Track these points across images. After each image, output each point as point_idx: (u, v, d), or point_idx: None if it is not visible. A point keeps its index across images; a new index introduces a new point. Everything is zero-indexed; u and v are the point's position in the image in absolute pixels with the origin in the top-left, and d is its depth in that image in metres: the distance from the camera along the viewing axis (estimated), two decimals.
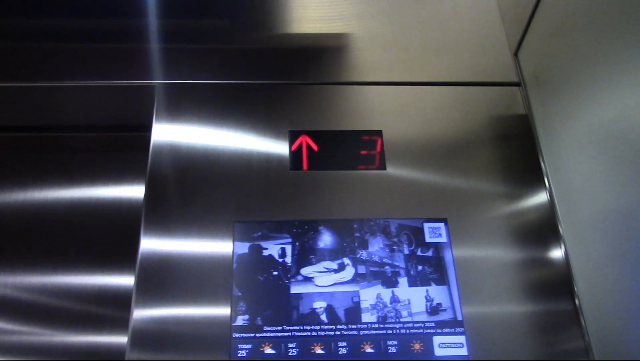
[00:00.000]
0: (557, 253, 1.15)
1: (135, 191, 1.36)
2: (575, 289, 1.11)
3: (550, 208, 1.19)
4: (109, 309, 1.24)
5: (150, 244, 1.11)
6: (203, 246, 1.12)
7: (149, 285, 1.08)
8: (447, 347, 1.05)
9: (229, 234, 1.13)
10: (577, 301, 1.11)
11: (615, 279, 0.98)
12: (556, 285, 1.12)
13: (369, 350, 1.04)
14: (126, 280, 1.27)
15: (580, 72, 1.05)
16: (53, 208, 1.33)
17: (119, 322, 1.23)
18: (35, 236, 1.31)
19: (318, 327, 1.06)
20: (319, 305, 1.07)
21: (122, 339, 1.21)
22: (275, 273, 1.09)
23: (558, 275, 1.13)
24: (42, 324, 1.23)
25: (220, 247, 1.12)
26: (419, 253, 1.13)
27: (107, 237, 1.30)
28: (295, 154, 1.23)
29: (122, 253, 1.28)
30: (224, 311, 1.06)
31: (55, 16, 1.43)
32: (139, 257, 1.10)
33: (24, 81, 1.30)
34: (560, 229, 1.16)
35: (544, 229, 1.18)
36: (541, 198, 1.20)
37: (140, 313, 1.05)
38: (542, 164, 1.22)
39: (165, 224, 1.13)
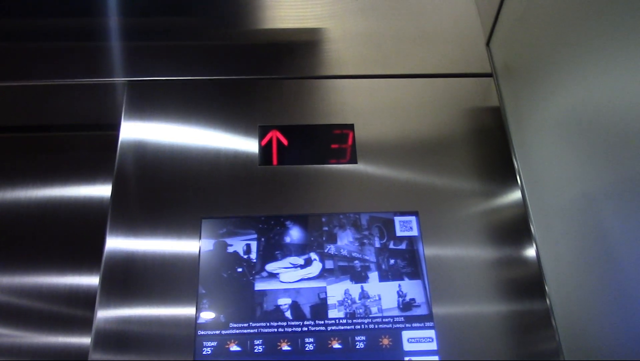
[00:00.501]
0: (529, 252, 1.13)
1: (104, 190, 1.34)
2: (547, 289, 1.09)
3: (522, 204, 1.17)
4: (80, 309, 1.23)
5: (116, 243, 1.10)
6: (169, 244, 1.10)
7: (113, 285, 1.06)
8: (417, 342, 1.04)
9: (195, 231, 1.12)
10: (548, 301, 1.09)
11: (584, 278, 0.97)
12: (528, 284, 1.11)
13: (336, 345, 1.03)
14: (96, 280, 1.26)
15: (547, 60, 1.04)
16: (23, 208, 1.33)
17: (90, 323, 1.21)
18: (4, 236, 1.30)
19: (284, 323, 1.04)
20: (284, 301, 1.06)
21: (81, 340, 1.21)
22: (239, 269, 1.08)
23: (530, 274, 1.11)
24: (13, 325, 1.22)
25: (186, 245, 1.11)
26: (391, 246, 1.12)
27: (77, 237, 1.30)
28: (265, 149, 1.22)
29: (91, 253, 1.26)
30: (189, 310, 1.05)
31: (23, 15, 1.41)
32: (104, 256, 1.09)
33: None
34: (531, 227, 1.14)
35: (516, 226, 1.16)
36: (514, 194, 1.19)
37: (104, 313, 1.04)
38: (514, 158, 1.21)
39: (132, 223, 1.12)
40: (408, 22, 1.41)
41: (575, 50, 0.94)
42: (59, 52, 1.34)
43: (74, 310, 1.23)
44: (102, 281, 1.07)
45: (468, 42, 1.37)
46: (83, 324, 1.22)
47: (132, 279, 1.07)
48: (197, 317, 1.04)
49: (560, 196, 1.02)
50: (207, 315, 1.03)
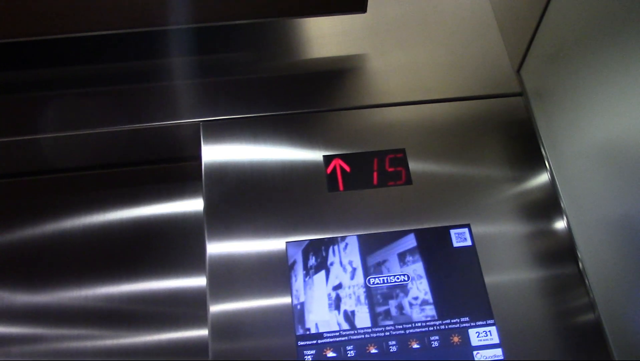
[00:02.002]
0: (560, 225, 1.33)
1: (190, 206, 1.55)
2: (579, 254, 1.29)
3: (552, 190, 1.37)
4: (182, 308, 1.43)
5: (216, 248, 1.30)
6: (260, 245, 1.31)
7: (219, 283, 1.26)
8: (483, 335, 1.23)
9: (282, 248, 1.30)
10: (580, 264, 1.29)
11: (613, 244, 1.16)
12: (561, 253, 1.31)
13: (415, 345, 1.22)
14: (193, 282, 1.48)
15: (581, 91, 1.20)
16: (121, 227, 1.53)
17: (192, 319, 1.43)
18: (109, 253, 1.51)
19: (370, 330, 1.23)
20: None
21: (198, 333, 1.43)
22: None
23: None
24: (125, 327, 1.43)
25: (274, 244, 1.31)
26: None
27: (171, 248, 1.50)
28: (331, 177, 1.39)
29: (186, 259, 1.48)
30: (286, 299, 1.26)
31: (95, 63, 1.57)
32: (207, 260, 1.28)
33: (85, 129, 1.45)
34: (562, 204, 1.34)
35: (546, 205, 1.36)
36: (544, 179, 1.39)
37: (216, 308, 1.24)
38: (544, 153, 1.40)
39: (226, 230, 1.32)
40: (440, 51, 1.58)
41: (612, 81, 1.10)
42: (133, 96, 1.49)
43: (176, 309, 1.43)
44: (210, 280, 1.26)
45: (495, 67, 1.54)
46: (187, 320, 1.43)
47: (234, 278, 1.27)
48: (296, 329, 1.22)
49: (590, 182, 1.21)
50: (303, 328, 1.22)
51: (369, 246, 1.31)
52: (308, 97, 1.50)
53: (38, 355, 1.39)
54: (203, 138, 1.43)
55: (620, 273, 1.15)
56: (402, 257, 1.30)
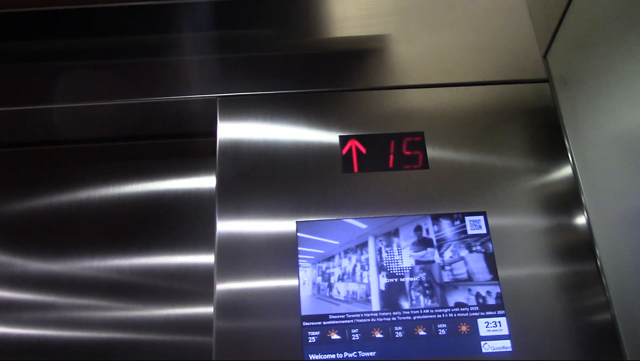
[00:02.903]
0: (580, 220, 1.29)
1: (204, 183, 1.55)
2: (597, 252, 1.25)
3: (574, 182, 1.33)
4: (191, 284, 1.44)
5: (225, 226, 1.29)
6: (271, 225, 1.30)
7: (227, 261, 1.26)
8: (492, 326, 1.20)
9: (292, 229, 1.28)
10: (598, 262, 1.25)
11: (633, 242, 1.12)
12: (579, 249, 1.27)
13: (421, 332, 1.19)
14: (203, 258, 1.48)
15: (607, 79, 1.17)
16: (136, 201, 1.54)
17: (200, 295, 1.43)
18: (122, 225, 1.52)
19: (376, 314, 1.21)
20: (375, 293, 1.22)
21: (204, 310, 1.42)
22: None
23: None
24: (134, 300, 1.44)
25: (285, 225, 1.30)
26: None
27: (183, 223, 1.51)
28: (346, 158, 1.37)
29: (197, 236, 1.48)
30: (293, 281, 1.24)
31: (118, 34, 1.57)
32: (217, 238, 1.28)
33: (109, 100, 1.46)
34: (582, 198, 1.30)
35: (567, 199, 1.32)
36: (568, 181, 1.34)
37: (222, 286, 1.23)
38: (567, 144, 1.36)
39: (237, 209, 1.31)
40: (466, 33, 1.53)
41: (637, 71, 1.06)
42: (153, 69, 1.49)
43: (185, 284, 1.44)
44: (218, 258, 1.26)
45: (523, 51, 1.50)
46: (195, 296, 1.44)
47: (242, 257, 1.26)
48: (300, 310, 1.21)
49: (620, 203, 1.17)
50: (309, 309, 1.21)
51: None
52: (327, 76, 1.48)
53: (48, 322, 1.41)
54: (219, 114, 1.42)
55: (638, 273, 1.11)
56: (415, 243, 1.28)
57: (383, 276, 1.24)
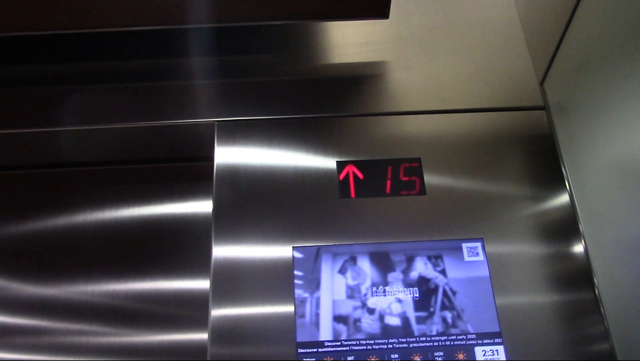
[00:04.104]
0: (577, 248, 1.29)
1: (200, 208, 1.54)
2: (595, 281, 1.24)
3: (571, 210, 1.32)
4: (186, 310, 1.42)
5: (221, 251, 1.28)
6: (267, 251, 1.29)
7: (222, 287, 1.25)
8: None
9: (288, 256, 1.27)
10: (596, 291, 1.24)
11: (631, 270, 1.12)
12: (577, 278, 1.27)
13: (418, 359, 1.18)
14: (198, 283, 1.46)
15: (604, 106, 1.17)
16: (132, 225, 1.53)
17: (195, 321, 1.41)
18: (118, 249, 1.51)
19: (372, 341, 1.20)
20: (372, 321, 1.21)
21: (199, 336, 1.40)
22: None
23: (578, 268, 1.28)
24: (129, 325, 1.42)
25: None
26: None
27: (179, 248, 1.49)
28: (343, 183, 1.37)
29: (193, 261, 1.47)
30: (288, 308, 1.23)
31: (115, 59, 1.58)
32: (212, 263, 1.27)
33: (105, 124, 1.46)
34: (580, 226, 1.30)
35: (565, 227, 1.31)
36: (563, 199, 1.34)
37: (217, 312, 1.22)
38: (564, 172, 1.36)
39: (234, 234, 1.31)
40: (463, 61, 1.54)
41: (634, 99, 1.07)
42: (151, 94, 1.50)
43: (180, 310, 1.42)
44: (213, 284, 1.25)
45: (520, 79, 1.50)
46: (190, 322, 1.42)
47: (237, 282, 1.25)
48: (296, 335, 1.19)
49: (610, 208, 1.16)
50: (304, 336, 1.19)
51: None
52: (325, 101, 1.49)
53: (42, 347, 1.39)
54: (217, 138, 1.42)
55: (636, 301, 1.10)
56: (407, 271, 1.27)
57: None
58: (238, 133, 1.43)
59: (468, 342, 1.20)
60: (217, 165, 1.38)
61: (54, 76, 1.55)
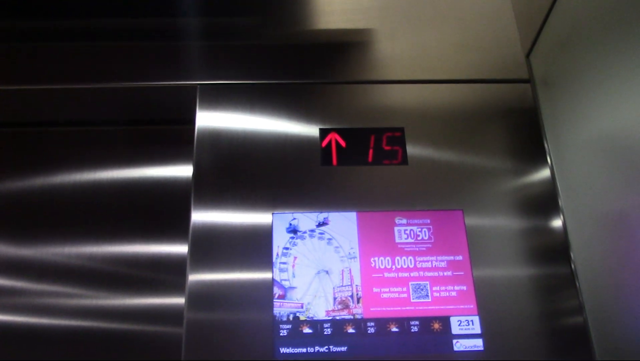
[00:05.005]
0: (556, 223, 1.29)
1: (181, 172, 1.52)
2: (572, 255, 1.25)
3: (552, 185, 1.33)
4: (163, 274, 1.41)
5: (200, 216, 1.27)
6: (246, 217, 1.28)
7: (200, 252, 1.24)
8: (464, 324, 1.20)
9: (267, 221, 1.27)
10: (572, 266, 1.25)
11: (607, 246, 1.12)
12: (554, 252, 1.27)
13: (394, 328, 1.18)
14: (176, 248, 1.45)
15: (588, 81, 1.16)
16: (111, 187, 1.51)
17: (172, 285, 1.40)
18: (96, 212, 1.49)
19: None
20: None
21: (176, 300, 1.39)
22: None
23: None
24: (105, 288, 1.41)
25: (261, 218, 1.28)
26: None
27: (158, 212, 1.48)
28: (325, 151, 1.35)
29: (172, 225, 1.45)
30: (266, 274, 1.23)
31: (97, 16, 1.54)
32: (191, 228, 1.26)
33: (84, 83, 1.44)
34: (559, 201, 1.30)
35: (544, 201, 1.32)
36: (546, 181, 1.34)
37: (194, 277, 1.22)
38: (546, 146, 1.36)
39: (213, 199, 1.30)
40: (450, 31, 1.53)
41: (618, 74, 1.06)
42: (133, 53, 1.47)
43: (157, 274, 1.41)
44: (191, 249, 1.24)
45: (506, 51, 1.49)
46: (167, 287, 1.41)
47: (216, 248, 1.25)
48: (272, 305, 1.19)
49: (590, 183, 1.17)
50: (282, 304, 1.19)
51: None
52: (310, 68, 1.47)
53: (16, 308, 1.38)
54: (199, 102, 1.40)
55: (611, 277, 1.11)
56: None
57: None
58: (220, 97, 1.41)
59: (444, 312, 1.20)
60: (198, 129, 1.36)
61: (33, 32, 1.51)
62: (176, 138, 1.53)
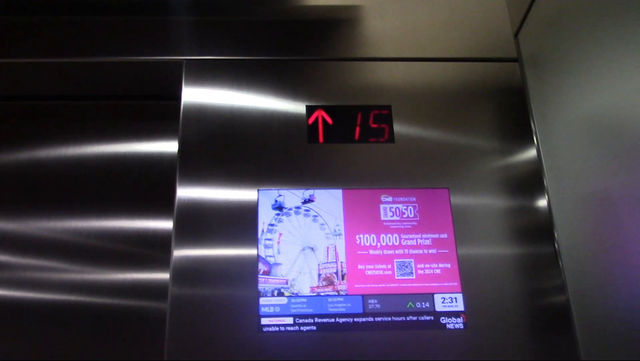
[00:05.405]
0: (541, 203, 1.30)
1: (166, 147, 1.52)
2: (556, 235, 1.26)
3: (538, 165, 1.33)
4: (149, 249, 1.42)
5: (186, 192, 1.27)
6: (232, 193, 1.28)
7: (185, 228, 1.24)
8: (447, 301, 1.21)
9: (253, 198, 1.27)
10: (556, 245, 1.26)
11: (591, 226, 1.13)
12: (538, 231, 1.28)
13: (377, 305, 1.19)
14: (162, 224, 1.45)
15: (576, 61, 1.16)
16: (97, 162, 1.50)
17: (157, 260, 1.41)
18: (81, 186, 1.48)
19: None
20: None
21: (161, 275, 1.40)
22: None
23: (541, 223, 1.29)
24: (90, 262, 1.41)
25: (247, 195, 1.28)
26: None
27: (143, 188, 1.48)
28: (312, 128, 1.35)
29: (157, 201, 1.45)
30: (252, 250, 1.23)
31: None
32: (176, 203, 1.26)
33: (71, 57, 1.43)
34: (544, 181, 1.31)
35: (530, 181, 1.32)
36: (532, 160, 1.34)
37: (180, 253, 1.22)
38: (533, 126, 1.36)
39: (199, 175, 1.29)
40: (439, 8, 1.52)
41: (605, 54, 1.06)
42: (119, 28, 1.45)
43: (143, 249, 1.42)
44: (176, 224, 1.24)
45: (495, 29, 1.49)
46: (153, 262, 1.41)
47: (201, 224, 1.24)
48: (257, 281, 1.20)
49: (574, 164, 1.17)
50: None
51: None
52: (297, 44, 1.46)
53: (1, 282, 1.38)
54: (185, 77, 1.39)
55: (593, 256, 1.12)
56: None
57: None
58: (206, 73, 1.40)
59: (428, 290, 1.21)
60: (184, 104, 1.36)
61: (15, 6, 1.48)
62: (162, 114, 1.52)
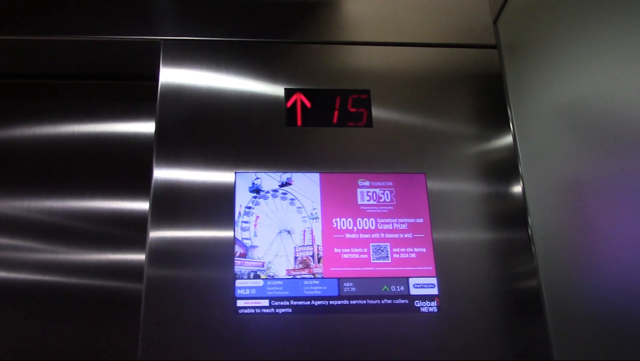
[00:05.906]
0: (515, 189, 1.32)
1: (143, 128, 1.51)
2: (529, 221, 1.28)
3: (513, 151, 1.35)
4: (124, 230, 1.41)
5: (162, 173, 1.27)
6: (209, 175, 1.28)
7: (161, 209, 1.24)
8: (421, 287, 1.22)
9: (230, 180, 1.26)
10: (530, 231, 1.28)
11: (563, 212, 1.15)
12: (513, 217, 1.30)
13: (353, 288, 1.20)
14: (138, 205, 1.44)
15: (553, 49, 1.17)
16: (72, 142, 1.49)
17: (133, 241, 1.40)
18: (56, 166, 1.47)
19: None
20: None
21: (136, 256, 1.39)
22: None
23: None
24: (65, 243, 1.40)
25: (223, 177, 1.28)
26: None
27: (119, 168, 1.47)
28: (290, 111, 1.35)
29: (133, 181, 1.45)
30: (228, 233, 1.23)
31: None
32: (153, 185, 1.25)
33: (46, 35, 1.41)
34: (520, 167, 1.32)
35: (505, 167, 1.34)
36: (508, 145, 1.36)
37: (155, 234, 1.22)
38: (509, 113, 1.38)
39: (176, 156, 1.29)
40: None
41: (582, 43, 1.07)
42: (95, 6, 1.43)
43: (119, 230, 1.41)
44: (153, 205, 1.24)
45: (475, 16, 1.49)
46: (129, 243, 1.41)
47: (177, 205, 1.24)
48: (233, 264, 1.20)
49: (549, 149, 1.19)
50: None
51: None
52: (277, 26, 1.45)
53: None
54: (162, 58, 1.38)
55: (565, 242, 1.14)
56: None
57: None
58: (185, 53, 1.39)
59: (402, 274, 1.22)
60: (161, 85, 1.34)
61: None
62: (139, 94, 1.51)
